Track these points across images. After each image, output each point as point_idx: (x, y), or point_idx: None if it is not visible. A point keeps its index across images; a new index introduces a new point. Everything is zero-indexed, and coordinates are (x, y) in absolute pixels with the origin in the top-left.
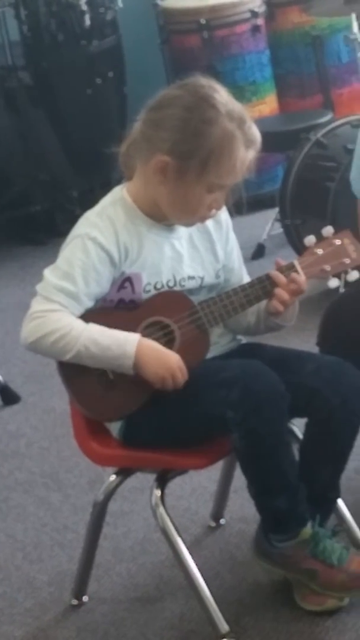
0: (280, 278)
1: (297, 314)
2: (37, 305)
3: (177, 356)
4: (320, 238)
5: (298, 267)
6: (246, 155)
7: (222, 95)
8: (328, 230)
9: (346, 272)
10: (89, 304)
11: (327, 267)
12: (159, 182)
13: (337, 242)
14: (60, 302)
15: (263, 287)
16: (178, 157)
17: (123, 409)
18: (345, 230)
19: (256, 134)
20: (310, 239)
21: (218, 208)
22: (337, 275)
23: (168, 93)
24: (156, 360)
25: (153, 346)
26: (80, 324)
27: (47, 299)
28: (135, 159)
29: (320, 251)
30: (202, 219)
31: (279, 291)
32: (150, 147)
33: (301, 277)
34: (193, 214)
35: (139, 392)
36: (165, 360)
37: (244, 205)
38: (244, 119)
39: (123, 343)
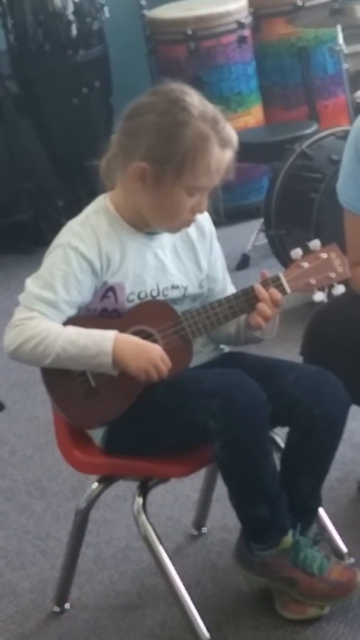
0: (263, 293)
1: (281, 324)
2: (17, 314)
3: (158, 347)
4: (306, 251)
5: (283, 280)
6: (222, 155)
7: (193, 98)
8: (315, 243)
9: (331, 286)
10: (70, 312)
11: (313, 281)
12: (138, 189)
13: (324, 255)
14: (40, 310)
15: (248, 299)
16: (154, 162)
17: (105, 417)
18: (332, 243)
19: (231, 133)
20: (296, 252)
21: (201, 211)
22: (323, 289)
23: (140, 101)
24: (136, 355)
25: (131, 340)
26: (58, 327)
27: (28, 308)
28: (115, 170)
29: (306, 264)
30: (186, 224)
31: (261, 305)
32: (127, 156)
33: (279, 294)
34: (174, 218)
35: (120, 399)
36: (145, 353)
37: (220, 214)
38: (218, 119)
39: (100, 341)
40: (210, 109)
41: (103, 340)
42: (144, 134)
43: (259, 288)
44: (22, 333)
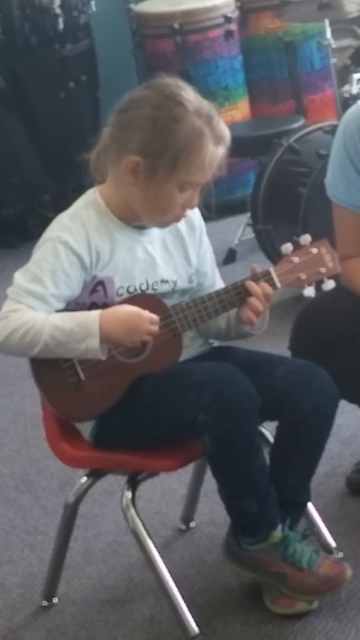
0: (254, 287)
1: (269, 318)
2: (5, 307)
3: (141, 312)
4: (297, 246)
5: (274, 275)
6: (216, 151)
7: (189, 93)
8: (305, 238)
9: (322, 281)
10: (58, 305)
11: (303, 276)
12: (130, 182)
13: (314, 250)
14: (28, 304)
15: (238, 293)
16: (148, 156)
17: (94, 410)
18: (322, 239)
19: (225, 130)
20: (287, 247)
21: (191, 207)
22: (313, 284)
23: (135, 94)
24: (125, 331)
25: (117, 318)
26: (42, 315)
27: (16, 301)
28: (106, 163)
29: (296, 259)
30: (177, 219)
31: (253, 300)
32: (120, 149)
33: (270, 288)
34: (165, 213)
35: (109, 392)
36: (134, 327)
37: (212, 210)
38: (212, 115)
39: (85, 324)
40: (205, 105)
41: (87, 322)
42: (138, 127)
43: (249, 282)
44: (8, 325)
